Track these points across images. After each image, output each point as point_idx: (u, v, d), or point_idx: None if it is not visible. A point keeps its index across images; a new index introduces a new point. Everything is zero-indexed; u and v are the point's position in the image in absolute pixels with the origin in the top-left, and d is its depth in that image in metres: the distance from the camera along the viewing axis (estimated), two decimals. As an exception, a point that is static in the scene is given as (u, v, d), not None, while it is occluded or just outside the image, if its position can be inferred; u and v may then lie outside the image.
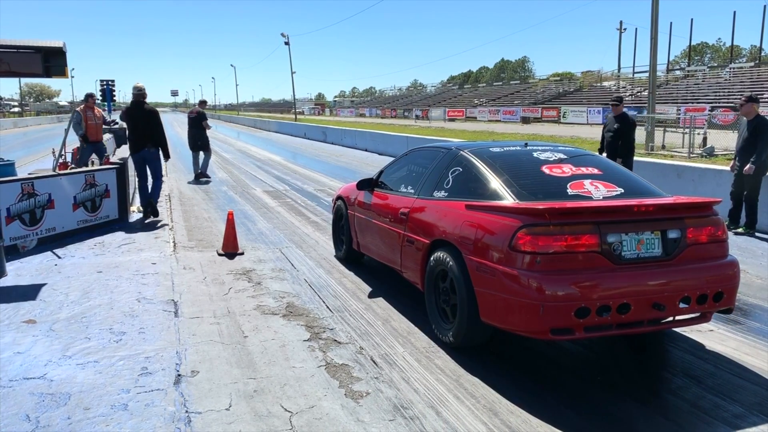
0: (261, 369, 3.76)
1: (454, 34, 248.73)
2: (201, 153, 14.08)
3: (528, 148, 4.74)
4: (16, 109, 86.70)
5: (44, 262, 6.32)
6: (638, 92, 51.84)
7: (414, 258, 4.64)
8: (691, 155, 17.81)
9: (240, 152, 22.45)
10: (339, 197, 6.65)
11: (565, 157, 4.50)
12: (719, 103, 38.63)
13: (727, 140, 20.49)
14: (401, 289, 5.35)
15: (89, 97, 11.03)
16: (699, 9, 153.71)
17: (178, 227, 8.29)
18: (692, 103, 39.66)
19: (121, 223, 8.27)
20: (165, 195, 11.18)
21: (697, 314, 3.78)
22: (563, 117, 49.18)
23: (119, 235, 7.64)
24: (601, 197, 3.94)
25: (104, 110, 14.43)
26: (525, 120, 51.85)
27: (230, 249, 6.74)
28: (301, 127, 37.57)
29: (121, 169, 8.45)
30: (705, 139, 19.67)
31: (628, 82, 57.21)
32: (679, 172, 9.60)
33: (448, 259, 4.09)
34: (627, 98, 51.01)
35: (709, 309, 3.74)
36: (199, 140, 14.07)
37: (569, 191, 3.98)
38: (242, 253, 6.73)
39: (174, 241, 7.36)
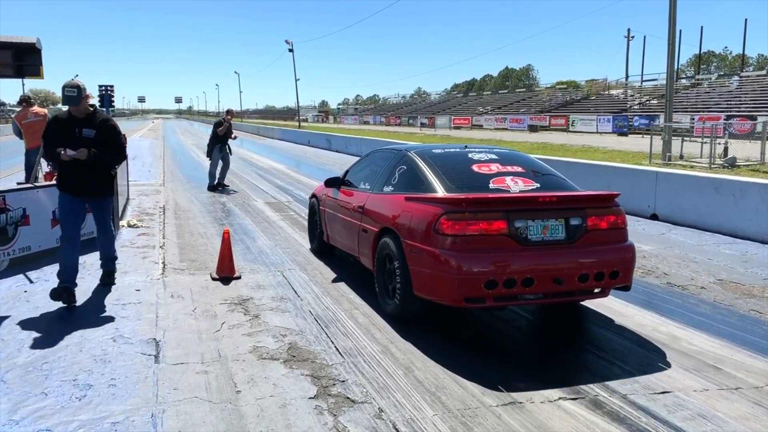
0: (256, 441, 2.97)
1: (458, 42, 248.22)
2: (220, 162, 13.34)
3: (466, 149, 5.38)
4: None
5: (13, 287, 5.55)
6: (646, 101, 51.14)
7: (367, 244, 5.26)
8: (713, 166, 17.02)
9: (242, 160, 21.68)
10: (313, 195, 7.27)
11: (496, 157, 5.14)
12: (730, 111, 37.87)
13: (747, 150, 19.68)
14: (424, 323, 4.59)
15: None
16: (705, 18, 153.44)
17: (170, 245, 7.53)
18: (703, 112, 38.87)
19: (107, 240, 7.48)
20: (159, 207, 10.44)
21: (598, 290, 4.40)
22: (572, 125, 48.42)
23: (103, 254, 6.86)
24: (517, 191, 4.55)
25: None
26: (532, 128, 51.10)
27: (226, 273, 5.97)
28: (305, 134, 36.87)
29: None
30: (726, 149, 18.86)
31: (635, 91, 56.49)
32: (716, 186, 8.79)
33: (391, 243, 4.73)
34: (635, 107, 50.36)
35: (606, 285, 4.35)
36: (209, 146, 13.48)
37: (491, 185, 4.63)
38: (239, 277, 5.96)
39: (164, 262, 6.59)
